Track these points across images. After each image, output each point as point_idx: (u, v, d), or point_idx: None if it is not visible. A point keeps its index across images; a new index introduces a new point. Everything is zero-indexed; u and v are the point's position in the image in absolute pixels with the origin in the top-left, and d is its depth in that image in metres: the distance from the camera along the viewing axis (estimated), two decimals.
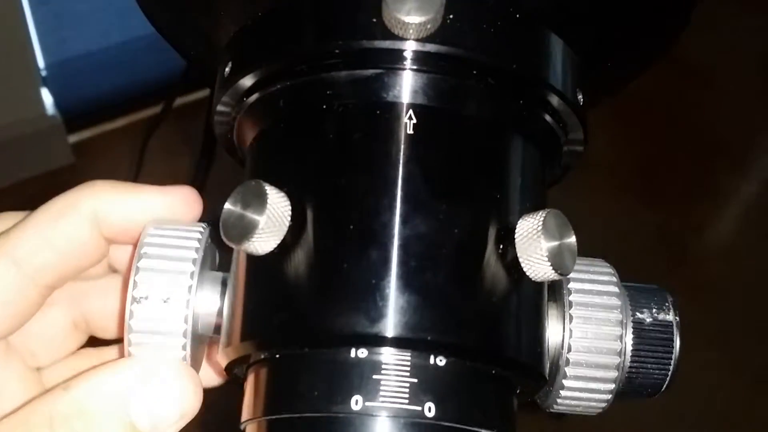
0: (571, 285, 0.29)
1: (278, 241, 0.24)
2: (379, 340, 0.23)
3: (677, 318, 0.30)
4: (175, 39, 0.31)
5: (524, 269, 0.25)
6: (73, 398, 0.26)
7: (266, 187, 0.24)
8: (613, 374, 0.27)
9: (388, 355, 0.23)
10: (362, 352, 0.23)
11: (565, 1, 0.27)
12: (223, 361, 0.27)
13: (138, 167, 0.99)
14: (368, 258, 0.24)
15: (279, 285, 0.25)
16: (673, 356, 0.29)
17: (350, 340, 0.23)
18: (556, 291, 0.30)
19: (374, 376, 0.23)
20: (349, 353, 0.23)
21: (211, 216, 0.30)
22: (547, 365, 0.27)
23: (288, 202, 0.24)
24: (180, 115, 1.18)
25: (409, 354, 0.23)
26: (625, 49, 0.29)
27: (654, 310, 0.31)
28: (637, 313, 0.31)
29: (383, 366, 0.23)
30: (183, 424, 0.27)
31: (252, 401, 0.26)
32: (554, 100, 0.26)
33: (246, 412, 0.26)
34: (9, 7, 1.17)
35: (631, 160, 1.58)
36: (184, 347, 0.28)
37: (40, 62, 1.33)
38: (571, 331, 0.30)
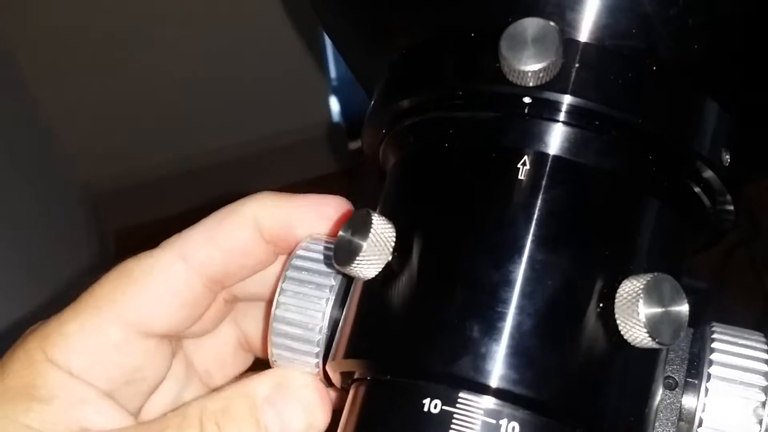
0: (714, 356, 0.27)
1: (380, 269, 0.25)
2: (451, 380, 0.24)
3: None
4: (339, 43, 0.34)
5: (621, 332, 0.24)
6: (221, 397, 0.29)
7: (373, 216, 0.25)
8: None
9: (461, 395, 0.24)
10: (435, 388, 0.24)
11: (711, 55, 0.25)
12: (331, 375, 0.28)
13: None
14: (454, 299, 0.24)
15: (374, 311, 0.26)
16: None
17: (425, 375, 0.24)
18: (697, 361, 0.28)
19: (445, 407, 0.24)
20: (422, 387, 0.24)
21: None
22: None
23: (393, 232, 0.25)
24: None
25: (481, 398, 0.23)
26: None
27: None
28: None
29: (457, 404, 0.24)
30: None
31: (342, 418, 0.27)
32: (690, 158, 0.25)
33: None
34: (310, 23, 1.29)
35: None
36: (317, 355, 0.30)
37: (333, 73, 1.45)
38: (704, 405, 0.28)
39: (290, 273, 0.31)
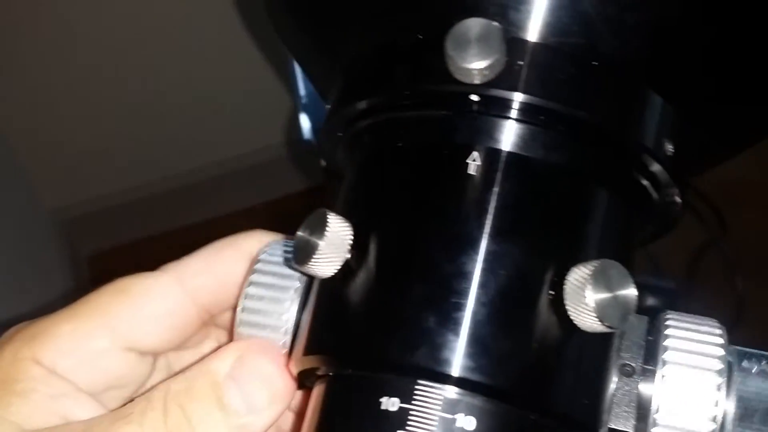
0: (668, 342, 0.28)
1: (338, 267, 0.26)
2: (408, 369, 0.24)
3: None
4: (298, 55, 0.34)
5: (572, 318, 0.25)
6: (184, 378, 0.29)
7: (329, 215, 0.26)
8: None
9: (419, 384, 0.24)
10: (395, 379, 0.24)
11: (651, 50, 0.26)
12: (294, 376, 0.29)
13: None
14: (410, 292, 0.25)
15: (333, 308, 0.27)
16: None
17: (383, 366, 0.25)
18: (653, 348, 0.29)
19: (402, 405, 0.24)
20: (384, 377, 0.25)
21: None
22: (602, 421, 0.26)
23: (350, 231, 0.26)
24: None
25: (438, 387, 0.24)
26: (731, 103, 0.28)
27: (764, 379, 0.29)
28: (744, 380, 0.29)
29: (414, 395, 0.24)
30: (277, 409, 0.29)
31: (305, 417, 0.27)
32: (633, 149, 0.26)
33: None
34: (278, 43, 1.30)
35: None
36: (284, 345, 0.30)
37: (302, 90, 1.45)
38: (661, 391, 0.29)
39: (254, 277, 0.32)
